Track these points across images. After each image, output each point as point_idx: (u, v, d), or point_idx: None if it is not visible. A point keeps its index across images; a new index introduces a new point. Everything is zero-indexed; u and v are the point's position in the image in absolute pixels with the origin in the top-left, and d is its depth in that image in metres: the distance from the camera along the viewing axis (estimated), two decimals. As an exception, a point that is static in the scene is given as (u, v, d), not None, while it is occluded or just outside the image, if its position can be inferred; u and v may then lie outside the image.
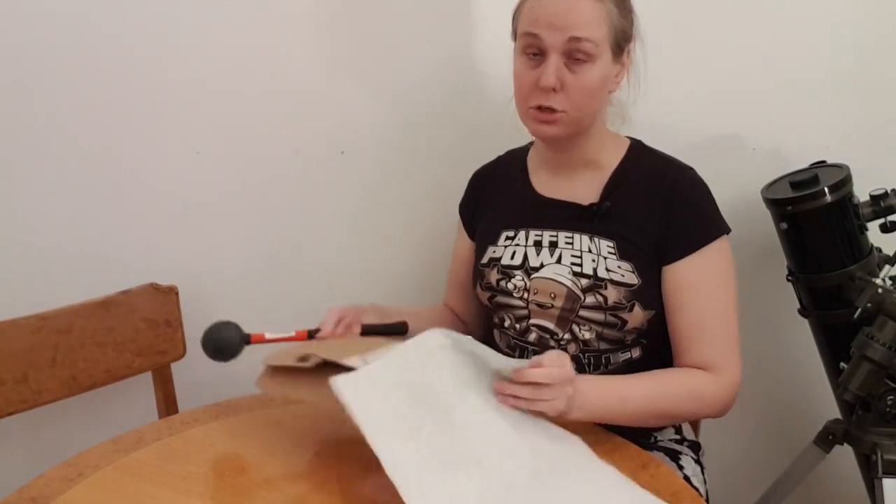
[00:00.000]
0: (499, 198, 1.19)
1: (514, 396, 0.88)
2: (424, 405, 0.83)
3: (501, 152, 1.27)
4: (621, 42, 1.03)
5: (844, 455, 1.33)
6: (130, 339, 1.27)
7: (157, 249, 1.35)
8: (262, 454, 0.94)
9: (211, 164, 1.34)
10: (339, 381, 0.78)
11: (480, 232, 1.20)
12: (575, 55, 0.99)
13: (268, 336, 0.98)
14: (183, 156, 1.33)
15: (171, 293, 1.30)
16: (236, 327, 0.99)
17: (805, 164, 1.34)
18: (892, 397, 1.16)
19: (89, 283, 1.28)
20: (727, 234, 1.07)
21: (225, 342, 0.97)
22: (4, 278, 1.29)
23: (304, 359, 0.88)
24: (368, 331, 1.03)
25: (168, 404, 1.32)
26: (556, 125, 1.03)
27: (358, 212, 1.43)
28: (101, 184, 1.31)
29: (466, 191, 1.27)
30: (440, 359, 0.88)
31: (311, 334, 1.01)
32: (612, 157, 1.10)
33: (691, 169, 1.09)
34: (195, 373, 1.39)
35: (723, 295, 1.04)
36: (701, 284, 1.03)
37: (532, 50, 1.01)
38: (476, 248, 1.20)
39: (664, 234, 1.04)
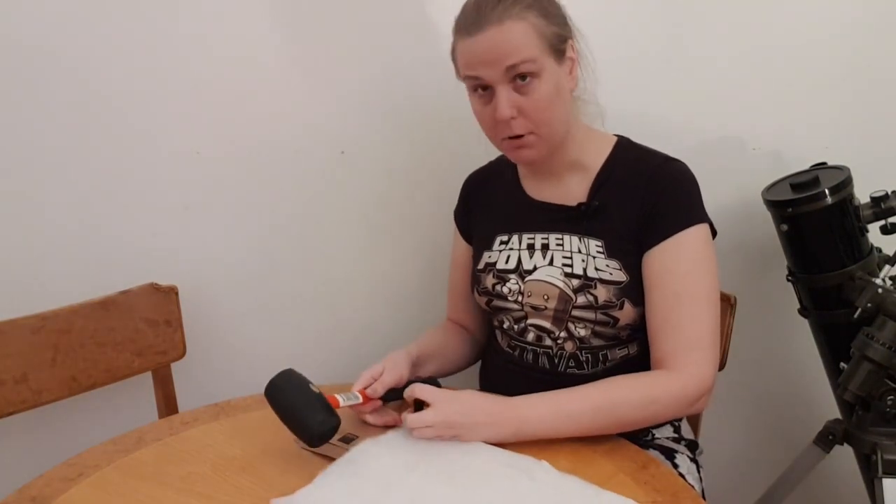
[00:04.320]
0: (492, 202, 1.20)
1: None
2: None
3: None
4: (557, 44, 1.01)
5: (844, 455, 1.33)
6: (130, 339, 1.27)
7: (157, 249, 1.35)
8: (262, 454, 0.94)
9: (211, 164, 1.34)
10: None
11: (476, 238, 1.21)
12: (519, 79, 0.99)
13: (342, 403, 0.95)
14: (183, 156, 1.33)
15: (171, 293, 1.30)
16: (316, 407, 0.90)
17: (805, 166, 1.34)
18: (892, 397, 1.16)
19: (89, 283, 1.28)
20: (708, 225, 1.05)
21: (319, 436, 0.91)
22: (4, 278, 1.29)
23: (345, 439, 0.95)
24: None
25: (168, 404, 1.32)
26: (530, 148, 1.04)
27: (358, 211, 1.43)
28: (101, 184, 1.31)
29: (459, 198, 1.27)
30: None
31: (385, 400, 1.01)
32: (597, 157, 1.10)
33: (679, 161, 1.08)
34: (195, 373, 1.39)
35: (693, 285, 1.01)
36: (671, 273, 1.01)
37: (480, 87, 1.02)
38: (473, 253, 1.20)
39: (643, 221, 1.03)
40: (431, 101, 1.39)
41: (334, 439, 0.95)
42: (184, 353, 1.33)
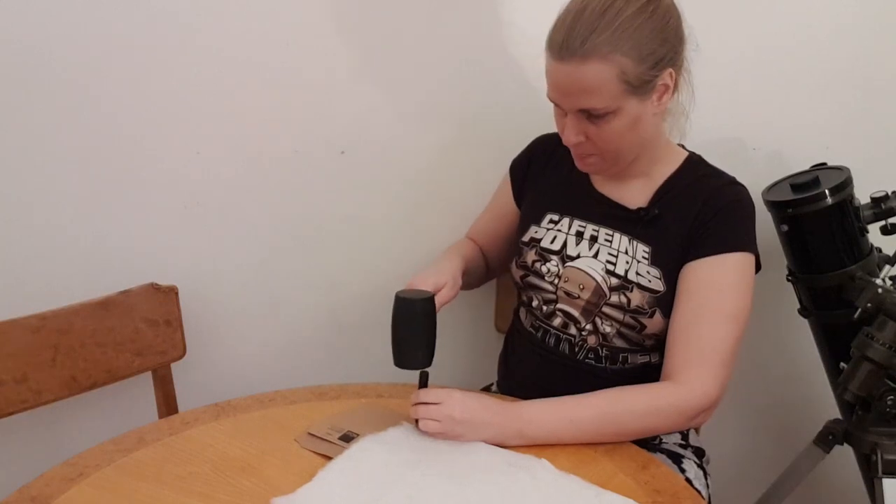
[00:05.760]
0: (552, 174, 1.20)
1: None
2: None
3: (503, 152, 1.27)
4: (644, 83, 0.97)
5: (844, 455, 1.33)
6: (130, 339, 1.27)
7: (157, 249, 1.35)
8: (262, 454, 0.94)
9: (211, 164, 1.34)
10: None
11: (527, 205, 1.21)
12: (591, 114, 0.98)
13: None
14: (183, 156, 1.33)
15: (171, 293, 1.30)
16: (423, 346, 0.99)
17: (806, 166, 1.33)
18: (892, 397, 1.16)
19: (89, 283, 1.28)
20: (754, 256, 1.05)
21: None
22: (4, 278, 1.29)
23: (345, 438, 0.96)
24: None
25: (168, 404, 1.32)
26: (592, 164, 1.06)
27: (358, 212, 1.42)
28: (101, 184, 1.31)
29: (524, 151, 1.26)
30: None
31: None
32: (665, 169, 1.11)
33: (742, 186, 1.09)
34: (195, 373, 1.39)
35: (723, 306, 1.01)
36: (701, 287, 1.02)
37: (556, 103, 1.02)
38: (520, 222, 1.21)
39: (691, 236, 1.04)
40: (433, 102, 1.38)
41: (334, 438, 0.96)
42: (184, 353, 1.33)
